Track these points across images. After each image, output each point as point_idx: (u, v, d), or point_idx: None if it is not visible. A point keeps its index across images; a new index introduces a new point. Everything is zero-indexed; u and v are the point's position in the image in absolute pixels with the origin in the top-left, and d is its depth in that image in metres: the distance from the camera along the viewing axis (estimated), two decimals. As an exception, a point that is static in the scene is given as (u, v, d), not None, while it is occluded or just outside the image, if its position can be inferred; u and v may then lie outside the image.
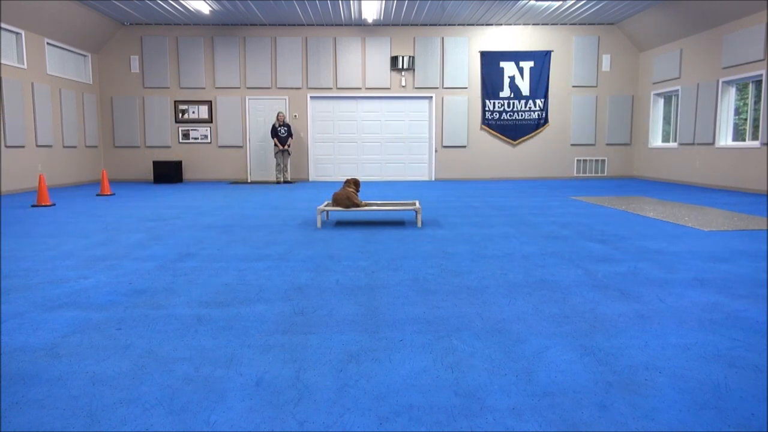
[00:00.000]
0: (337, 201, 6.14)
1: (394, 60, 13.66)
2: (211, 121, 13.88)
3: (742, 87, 10.48)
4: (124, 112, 13.77)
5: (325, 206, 6.17)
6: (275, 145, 13.00)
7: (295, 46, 13.69)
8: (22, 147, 10.72)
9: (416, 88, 13.91)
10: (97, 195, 10.00)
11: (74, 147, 12.57)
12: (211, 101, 13.83)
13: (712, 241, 5.01)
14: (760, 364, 2.21)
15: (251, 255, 4.48)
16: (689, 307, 2.99)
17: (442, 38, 13.76)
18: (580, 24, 13.70)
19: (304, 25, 13.55)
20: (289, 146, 13.11)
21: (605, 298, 3.18)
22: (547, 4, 11.82)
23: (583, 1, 11.61)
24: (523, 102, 13.99)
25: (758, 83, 9.98)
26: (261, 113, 13.95)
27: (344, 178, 14.20)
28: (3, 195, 10.06)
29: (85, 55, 13.10)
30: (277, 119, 12.96)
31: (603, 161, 14.28)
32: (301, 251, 4.64)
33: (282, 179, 13.20)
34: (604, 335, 2.55)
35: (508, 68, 13.90)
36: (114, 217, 6.87)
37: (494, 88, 13.93)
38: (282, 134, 12.99)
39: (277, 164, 13.15)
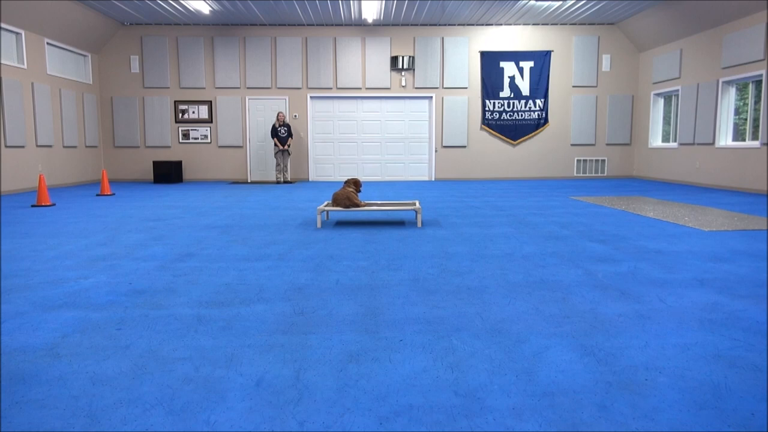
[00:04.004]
0: (336, 201, 6.14)
1: (394, 60, 13.66)
2: (211, 121, 13.89)
3: (742, 87, 10.48)
4: (124, 112, 13.77)
5: (325, 206, 6.17)
6: (275, 145, 13.00)
7: (295, 46, 13.69)
8: (22, 147, 10.72)
9: (416, 88, 13.91)
10: (97, 195, 10.00)
11: (74, 147, 12.57)
12: (211, 101, 13.83)
13: (712, 241, 5.01)
14: (760, 364, 2.21)
15: (251, 255, 4.48)
16: (689, 307, 2.99)
17: (442, 38, 13.76)
18: (580, 24, 13.70)
19: (304, 25, 13.55)
20: (289, 146, 13.12)
21: (605, 298, 3.18)
22: (547, 4, 11.81)
23: (583, 1, 11.61)
24: (523, 102, 13.99)
25: (758, 83, 9.98)
26: (261, 113, 13.96)
27: (344, 179, 14.20)
28: (3, 195, 10.06)
29: (85, 55, 13.10)
30: (278, 119, 12.96)
31: (603, 161, 14.28)
32: (301, 251, 4.64)
33: (282, 179, 13.19)
34: (604, 335, 2.55)
35: (508, 68, 13.90)
36: (114, 217, 6.87)
37: (494, 88, 13.93)
38: (282, 134, 12.98)
39: (277, 164, 13.14)
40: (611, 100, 14.02)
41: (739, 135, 10.61)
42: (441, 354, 2.34)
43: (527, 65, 13.90)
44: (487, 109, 13.97)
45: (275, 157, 13.16)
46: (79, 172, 12.79)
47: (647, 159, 13.63)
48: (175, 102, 13.80)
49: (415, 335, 2.57)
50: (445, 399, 1.93)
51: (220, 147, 13.98)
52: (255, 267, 4.05)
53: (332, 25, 13.57)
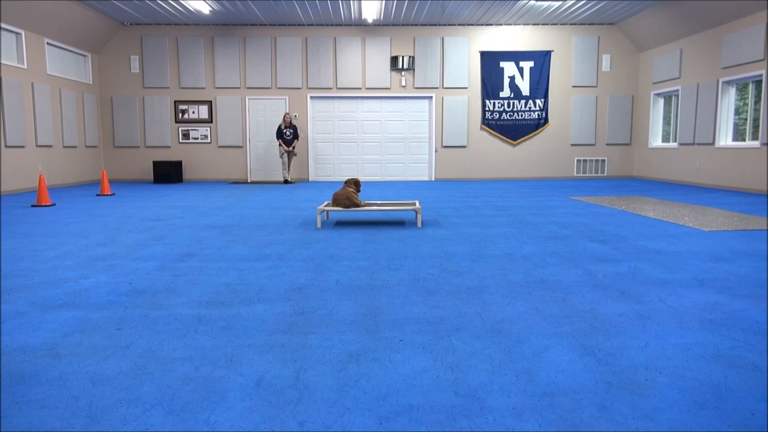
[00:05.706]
0: (337, 201, 6.14)
1: (394, 60, 13.66)
2: (211, 121, 13.89)
3: (742, 87, 10.48)
4: (124, 112, 13.77)
5: (325, 206, 6.17)
6: (280, 146, 12.94)
7: (295, 46, 13.69)
8: (22, 147, 10.72)
9: (416, 88, 13.91)
10: (97, 195, 10.00)
11: (74, 147, 12.57)
12: (211, 101, 13.83)
13: (712, 241, 5.01)
14: (760, 364, 2.21)
15: (251, 255, 4.48)
16: (689, 307, 2.99)
17: (442, 38, 13.76)
18: (580, 24, 13.70)
19: (304, 25, 13.55)
20: (294, 147, 13.08)
21: (605, 298, 3.18)
22: (547, 4, 11.81)
23: (583, 1, 11.60)
24: (523, 102, 13.99)
25: (758, 83, 9.98)
26: (261, 113, 13.95)
27: (344, 178, 14.20)
28: (3, 195, 10.06)
29: (85, 55, 13.10)
30: (284, 121, 12.88)
31: (603, 161, 14.28)
32: (301, 251, 4.64)
33: (283, 179, 13.17)
34: (604, 335, 2.55)
35: (508, 68, 13.90)
36: (114, 217, 6.87)
37: (494, 88, 13.93)
38: (287, 136, 12.91)
39: (283, 164, 13.08)
40: (611, 100, 14.02)
41: (739, 135, 10.61)
42: (441, 354, 2.34)
43: (527, 65, 13.90)
44: (487, 109, 13.97)
45: (281, 158, 13.08)
46: (79, 172, 12.79)
47: (647, 159, 13.63)
48: (175, 102, 13.80)
49: (415, 335, 2.57)
50: (445, 399, 1.93)
51: (220, 147, 13.98)
52: (255, 267, 4.05)
53: (332, 25, 13.57)
